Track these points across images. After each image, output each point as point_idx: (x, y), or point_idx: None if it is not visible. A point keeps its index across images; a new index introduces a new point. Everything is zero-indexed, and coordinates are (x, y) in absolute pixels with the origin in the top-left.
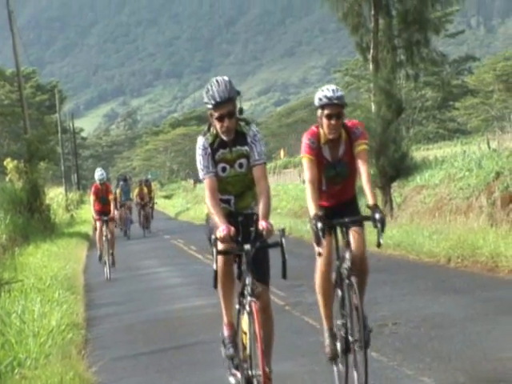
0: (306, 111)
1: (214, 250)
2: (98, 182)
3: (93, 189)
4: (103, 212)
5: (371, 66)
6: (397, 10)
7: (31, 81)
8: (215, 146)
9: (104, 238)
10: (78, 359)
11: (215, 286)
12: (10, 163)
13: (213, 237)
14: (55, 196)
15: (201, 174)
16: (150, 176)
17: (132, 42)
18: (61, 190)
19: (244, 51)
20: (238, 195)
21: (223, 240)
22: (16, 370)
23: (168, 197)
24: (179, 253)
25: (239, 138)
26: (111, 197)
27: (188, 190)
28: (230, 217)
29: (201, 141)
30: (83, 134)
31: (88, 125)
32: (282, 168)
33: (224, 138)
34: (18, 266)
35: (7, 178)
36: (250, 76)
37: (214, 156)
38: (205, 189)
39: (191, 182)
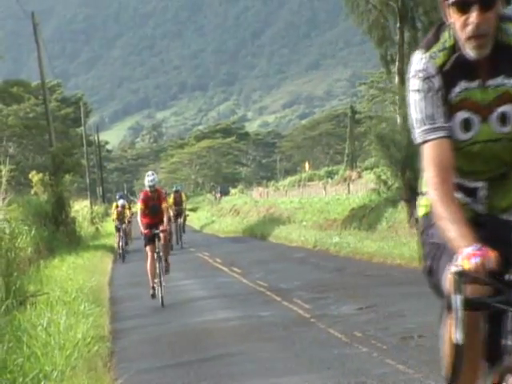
0: (330, 124)
1: (457, 299)
2: (147, 189)
3: (141, 196)
4: (153, 224)
5: (396, 79)
6: (422, 22)
7: (56, 93)
8: (451, 72)
9: (156, 256)
10: (104, 372)
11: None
12: (35, 176)
13: (450, 268)
14: (80, 209)
15: (417, 134)
16: (179, 187)
17: (157, 54)
18: (86, 202)
19: (269, 64)
20: (496, 182)
21: (476, 274)
22: (42, 383)
23: (193, 210)
24: (204, 265)
25: (504, 57)
26: (165, 205)
27: (213, 202)
28: (477, 225)
29: (419, 61)
30: (108, 147)
31: (113, 138)
32: (306, 181)
33: (472, 54)
34: (43, 279)
35: (32, 191)
36: (274, 89)
37: (448, 95)
38: (426, 166)
39: (217, 194)
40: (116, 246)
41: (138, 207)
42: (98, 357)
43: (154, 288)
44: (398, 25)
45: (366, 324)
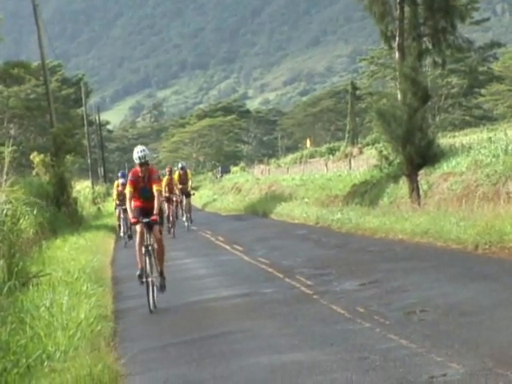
0: (331, 100)
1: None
2: (137, 165)
3: (130, 175)
4: (145, 210)
5: (397, 55)
6: None
7: (57, 74)
8: None
9: (144, 250)
10: (107, 351)
11: None
12: (36, 157)
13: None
14: (82, 189)
15: None
16: (184, 164)
17: (157, 33)
18: (87, 183)
19: (269, 41)
20: None
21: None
22: (45, 363)
23: (195, 188)
24: (206, 244)
25: None
26: (156, 188)
27: (214, 181)
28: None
29: None
30: (109, 127)
31: (114, 117)
32: (307, 158)
33: None
34: (45, 260)
35: (34, 172)
36: (275, 66)
37: None
38: None
39: (218, 174)
40: (117, 228)
41: (126, 190)
42: (101, 336)
43: (142, 268)
44: (397, 0)
45: (369, 299)
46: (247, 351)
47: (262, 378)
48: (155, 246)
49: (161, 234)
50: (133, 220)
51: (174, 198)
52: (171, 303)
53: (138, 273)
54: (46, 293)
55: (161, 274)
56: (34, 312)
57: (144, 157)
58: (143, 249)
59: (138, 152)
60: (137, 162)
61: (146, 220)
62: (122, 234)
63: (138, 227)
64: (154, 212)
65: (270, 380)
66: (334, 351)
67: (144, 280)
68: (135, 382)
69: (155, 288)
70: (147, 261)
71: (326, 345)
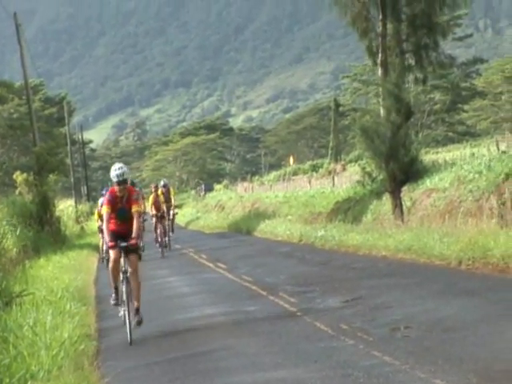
0: (314, 117)
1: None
2: (115, 183)
3: (107, 195)
4: (122, 234)
5: (380, 71)
6: (405, 14)
7: (40, 93)
8: None
9: (121, 276)
10: (91, 370)
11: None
12: (19, 176)
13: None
14: (65, 208)
15: None
16: (167, 181)
17: (140, 52)
18: (71, 201)
19: (252, 59)
20: None
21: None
22: (29, 383)
23: (178, 206)
24: (190, 262)
25: None
26: (135, 209)
27: (197, 199)
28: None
29: None
30: (92, 146)
31: (97, 136)
32: (291, 175)
33: None
34: (29, 279)
35: (17, 191)
36: (258, 84)
37: None
38: None
39: (201, 192)
40: (100, 250)
41: (102, 210)
42: (85, 356)
43: (116, 289)
44: (380, 17)
45: (353, 316)
46: (231, 369)
47: None
48: (129, 271)
49: (139, 258)
50: (110, 244)
51: (163, 217)
52: (155, 321)
53: (112, 301)
54: (30, 312)
55: (137, 311)
56: (18, 331)
57: (122, 174)
58: (121, 275)
59: (115, 169)
60: (114, 180)
61: (123, 244)
62: (104, 255)
63: (112, 253)
64: (133, 235)
65: None
66: (317, 368)
67: (121, 311)
68: None
69: (132, 323)
70: (124, 289)
71: (309, 362)
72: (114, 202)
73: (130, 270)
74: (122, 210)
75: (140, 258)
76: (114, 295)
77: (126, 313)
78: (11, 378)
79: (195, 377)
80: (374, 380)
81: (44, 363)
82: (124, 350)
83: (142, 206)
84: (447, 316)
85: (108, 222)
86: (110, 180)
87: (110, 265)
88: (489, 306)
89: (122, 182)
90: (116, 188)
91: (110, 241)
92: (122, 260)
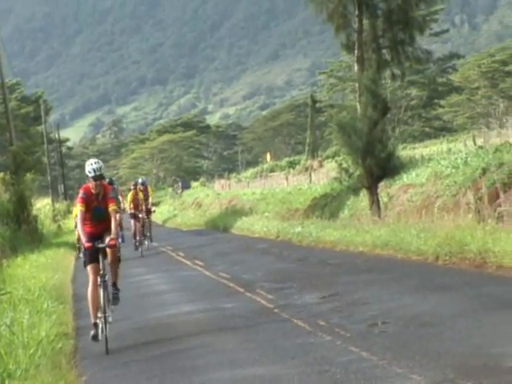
0: (291, 114)
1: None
2: (90, 179)
3: (80, 193)
4: (98, 235)
5: (356, 67)
6: (381, 9)
7: (16, 92)
8: None
9: (99, 280)
10: (68, 369)
11: None
12: None
13: None
14: (42, 207)
15: None
16: (144, 178)
17: (116, 50)
18: (47, 200)
19: (228, 56)
20: None
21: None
22: (6, 382)
23: (155, 204)
24: (167, 259)
25: None
26: (112, 208)
27: (175, 196)
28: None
29: None
30: (69, 144)
31: (74, 135)
32: (268, 172)
33: None
34: (6, 278)
35: None
36: (234, 81)
37: None
38: None
39: (178, 190)
40: (76, 250)
41: (76, 209)
42: (62, 354)
43: (95, 325)
44: (356, 12)
45: (330, 312)
46: (209, 366)
47: None
48: (107, 276)
49: (118, 260)
50: (87, 245)
51: (141, 215)
52: (132, 319)
53: (92, 332)
54: (7, 311)
55: (114, 284)
56: None
57: (99, 169)
58: (98, 279)
59: (91, 164)
60: (91, 175)
61: (101, 245)
62: (81, 255)
63: (90, 274)
64: (112, 235)
65: None
66: (295, 365)
67: (97, 323)
68: None
69: (107, 325)
70: (101, 294)
71: (287, 358)
72: (89, 200)
73: (110, 260)
74: (97, 209)
75: (119, 259)
76: (93, 332)
77: (102, 320)
78: None
79: (173, 374)
80: (352, 376)
81: (21, 362)
82: (101, 349)
83: (122, 204)
84: (424, 311)
85: (83, 221)
86: (86, 179)
87: (90, 288)
88: (466, 301)
89: (98, 178)
90: (91, 184)
91: (87, 241)
92: (100, 265)
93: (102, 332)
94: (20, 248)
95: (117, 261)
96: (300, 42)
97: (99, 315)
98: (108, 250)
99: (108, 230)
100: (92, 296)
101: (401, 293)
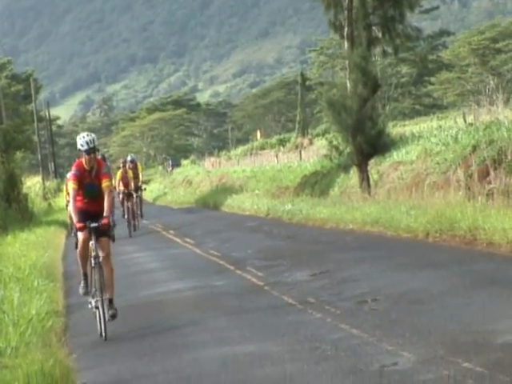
0: (281, 92)
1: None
2: (83, 153)
3: (73, 169)
4: (91, 214)
5: (346, 44)
6: None
7: (6, 71)
8: None
9: (93, 262)
10: (59, 346)
11: None
12: None
13: None
14: (32, 185)
15: None
16: (133, 156)
17: (106, 28)
18: (38, 178)
19: (218, 34)
20: None
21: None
22: None
23: (145, 182)
24: (157, 237)
25: None
26: (106, 184)
27: (165, 174)
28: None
29: None
30: (59, 122)
31: (64, 113)
32: (258, 149)
33: None
34: None
35: None
36: (224, 58)
37: None
38: None
39: (169, 168)
40: (69, 227)
41: (69, 186)
42: (53, 332)
43: (85, 276)
44: None
45: (320, 290)
46: (198, 344)
47: (214, 370)
48: (101, 256)
49: (113, 239)
50: (78, 225)
51: (130, 194)
52: (122, 297)
53: (80, 289)
54: None
55: (110, 302)
56: None
57: (92, 141)
58: (92, 261)
59: (83, 137)
60: (83, 148)
61: (94, 225)
62: (73, 235)
63: (80, 234)
64: (105, 214)
65: (222, 372)
66: (285, 342)
67: (92, 302)
68: (87, 376)
69: (106, 315)
70: (96, 276)
71: (277, 336)
72: (81, 177)
73: (101, 254)
74: (90, 186)
75: (113, 239)
76: (82, 283)
77: (99, 304)
78: None
79: (162, 352)
80: (342, 353)
81: (11, 340)
82: (92, 327)
83: (113, 181)
84: (414, 288)
85: (75, 199)
86: (78, 156)
87: (79, 247)
88: (456, 278)
89: (91, 151)
90: (84, 159)
91: (78, 221)
92: (91, 243)
93: (99, 317)
94: (10, 226)
95: (110, 259)
96: (290, 20)
97: (95, 299)
98: (101, 243)
99: (102, 208)
100: (81, 253)
101: (391, 270)
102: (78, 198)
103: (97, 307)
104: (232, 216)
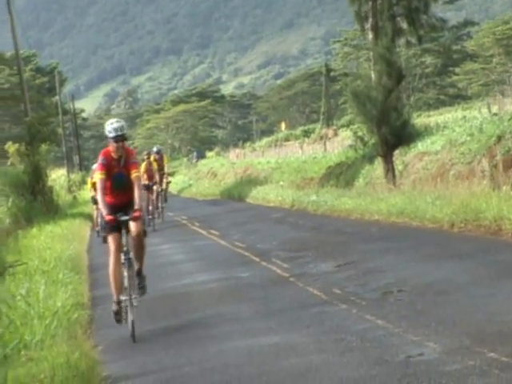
0: (306, 83)
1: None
2: (111, 142)
3: (100, 158)
4: (120, 206)
5: (370, 35)
6: None
7: (31, 63)
8: None
9: (123, 258)
10: (84, 339)
11: None
12: (11, 147)
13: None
14: (57, 178)
15: None
16: (159, 147)
17: (131, 20)
18: (63, 171)
19: (243, 25)
20: None
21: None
22: (22, 352)
23: (171, 174)
24: (182, 229)
25: None
26: (135, 174)
27: (189, 166)
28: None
29: None
30: (84, 115)
31: (89, 105)
32: (283, 141)
33: None
34: (21, 249)
35: (9, 162)
36: (249, 50)
37: None
38: None
39: (194, 159)
40: (95, 222)
41: (96, 177)
42: (78, 324)
43: (119, 303)
44: None
45: (345, 281)
46: (224, 335)
47: (239, 362)
48: (130, 253)
49: (144, 234)
50: (108, 217)
51: (155, 187)
52: (147, 289)
53: (113, 308)
54: (23, 282)
55: (139, 272)
56: (10, 301)
57: (121, 128)
58: (122, 256)
59: (112, 123)
60: (111, 135)
61: (125, 218)
62: (98, 229)
63: (112, 244)
64: (136, 206)
65: (247, 363)
66: (310, 333)
67: (121, 301)
68: (112, 369)
69: (133, 308)
70: (125, 273)
71: (302, 327)
72: (109, 166)
73: (134, 234)
74: (118, 176)
75: (145, 233)
76: (115, 309)
77: (128, 303)
78: (4, 348)
79: (188, 344)
80: (367, 344)
81: (37, 333)
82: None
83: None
84: (440, 279)
85: (103, 191)
86: (103, 146)
87: (111, 270)
88: (481, 269)
89: (120, 138)
90: (112, 147)
91: (108, 214)
92: (123, 239)
93: (127, 317)
94: (35, 219)
95: (142, 237)
96: (314, 11)
97: (123, 298)
98: (132, 224)
99: (131, 200)
100: (114, 275)
101: (416, 261)
102: (106, 190)
103: (126, 306)
104: (257, 207)
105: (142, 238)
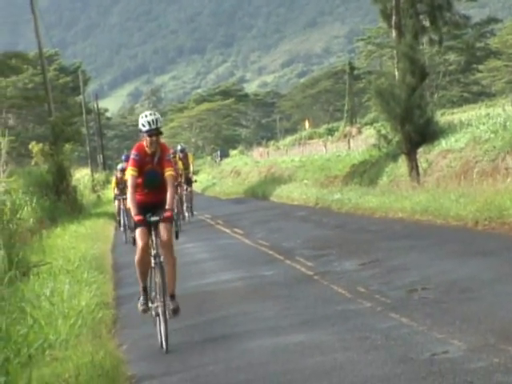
0: (329, 81)
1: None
2: (145, 135)
3: (133, 153)
4: (150, 205)
5: (394, 33)
6: None
7: (54, 63)
8: None
9: (153, 261)
10: (108, 338)
11: None
12: (35, 146)
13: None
14: (81, 177)
15: None
16: (184, 145)
17: (154, 19)
18: (87, 170)
19: (266, 24)
20: None
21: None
22: (47, 352)
23: (194, 173)
24: (206, 228)
25: None
26: (169, 173)
27: (213, 165)
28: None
29: None
30: (108, 114)
31: (112, 105)
32: (306, 139)
33: None
34: (46, 249)
35: (33, 162)
36: (272, 48)
37: None
38: None
39: (217, 158)
40: (117, 223)
41: (127, 173)
42: (103, 324)
43: (145, 290)
44: None
45: (369, 279)
46: (248, 334)
47: (264, 360)
48: (160, 253)
49: (176, 236)
50: (137, 218)
51: (179, 187)
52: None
53: (140, 305)
54: (47, 282)
55: (172, 296)
56: (35, 301)
57: (156, 121)
58: (152, 260)
59: (145, 116)
60: (145, 129)
61: (155, 218)
62: (122, 229)
63: (139, 237)
64: (167, 206)
65: (272, 362)
66: (335, 331)
67: (151, 308)
68: (137, 368)
69: (166, 315)
70: (156, 278)
71: (327, 325)
72: (142, 163)
73: (163, 238)
74: (151, 174)
75: (177, 236)
76: (141, 298)
77: (160, 310)
78: (29, 348)
79: (213, 343)
80: (392, 342)
81: (62, 332)
82: (141, 318)
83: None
84: (464, 277)
85: (134, 188)
86: (127, 148)
87: (137, 255)
88: (506, 266)
89: (153, 133)
90: (146, 142)
91: (137, 214)
92: (152, 240)
93: (159, 325)
94: (59, 218)
95: (171, 246)
96: (337, 9)
97: (155, 304)
98: (161, 226)
99: (162, 201)
100: (140, 262)
101: (440, 258)
102: (137, 188)
103: (157, 314)
104: (281, 206)
105: (172, 247)
